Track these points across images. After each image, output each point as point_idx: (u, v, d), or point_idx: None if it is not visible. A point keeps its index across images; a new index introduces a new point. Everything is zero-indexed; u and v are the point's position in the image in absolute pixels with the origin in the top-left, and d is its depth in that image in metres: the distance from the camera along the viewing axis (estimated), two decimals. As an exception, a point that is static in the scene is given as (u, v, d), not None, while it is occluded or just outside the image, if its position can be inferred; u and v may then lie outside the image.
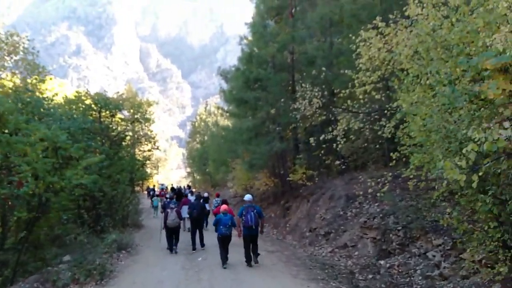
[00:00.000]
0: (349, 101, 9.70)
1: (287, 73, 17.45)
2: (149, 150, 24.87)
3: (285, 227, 15.87)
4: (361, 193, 11.96)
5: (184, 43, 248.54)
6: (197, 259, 10.86)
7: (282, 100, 15.71)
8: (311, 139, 9.66)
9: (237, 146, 18.92)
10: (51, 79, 18.19)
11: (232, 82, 18.12)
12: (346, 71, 10.99)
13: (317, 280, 8.57)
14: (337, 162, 15.27)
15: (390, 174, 10.34)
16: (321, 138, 10.25)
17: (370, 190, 11.61)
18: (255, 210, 9.48)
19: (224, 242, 9.66)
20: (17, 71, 16.75)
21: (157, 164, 41.00)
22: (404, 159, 10.79)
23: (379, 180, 11.41)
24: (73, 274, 8.27)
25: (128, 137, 18.15)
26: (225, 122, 35.12)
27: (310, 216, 14.50)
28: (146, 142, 26.10)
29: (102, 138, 16.49)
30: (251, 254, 9.67)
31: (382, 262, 9.41)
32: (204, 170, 39.41)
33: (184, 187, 28.77)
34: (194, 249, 11.79)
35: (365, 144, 14.85)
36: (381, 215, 10.69)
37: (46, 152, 7.75)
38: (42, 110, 10.96)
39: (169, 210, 11.39)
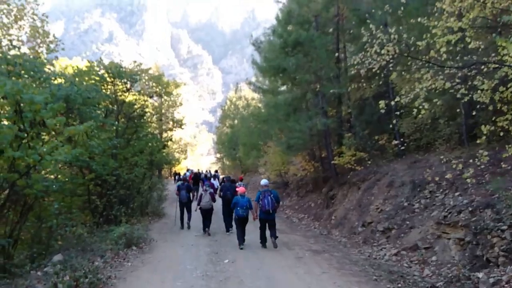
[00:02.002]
0: (432, 52, 6.89)
1: (332, 36, 14.56)
2: (170, 129, 22.62)
3: (329, 220, 13.28)
4: (436, 179, 9.15)
5: (215, 29, 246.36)
6: (224, 261, 8.51)
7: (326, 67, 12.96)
8: (382, 103, 6.86)
9: (272, 125, 16.42)
10: (63, 49, 16.09)
11: (266, 49, 15.43)
12: (419, 20, 8.16)
13: (392, 301, 6.01)
14: (395, 141, 12.45)
15: (486, 153, 7.49)
16: (394, 101, 7.47)
17: (448, 175, 8.86)
18: (272, 195, 9.50)
19: (241, 223, 9.83)
20: (23, 39, 14.70)
21: (185, 149, 39.13)
22: (501, 134, 7.99)
23: (463, 162, 8.60)
24: (53, 284, 6.05)
25: (148, 114, 15.92)
26: (256, 105, 32.67)
27: (362, 208, 11.84)
28: (173, 125, 23.95)
29: (117, 114, 14.38)
30: (266, 237, 9.73)
31: (480, 274, 6.65)
32: (234, 155, 37.22)
33: (210, 172, 26.99)
34: (227, 231, 11.94)
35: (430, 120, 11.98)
36: (470, 208, 7.88)
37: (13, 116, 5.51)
38: (32, 72, 8.72)
39: (203, 193, 11.69)
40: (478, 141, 8.52)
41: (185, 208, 12.73)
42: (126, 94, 14.96)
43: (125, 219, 11.92)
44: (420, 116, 8.14)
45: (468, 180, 7.72)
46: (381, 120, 13.96)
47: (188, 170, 24.31)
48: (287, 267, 8.01)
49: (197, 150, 49.79)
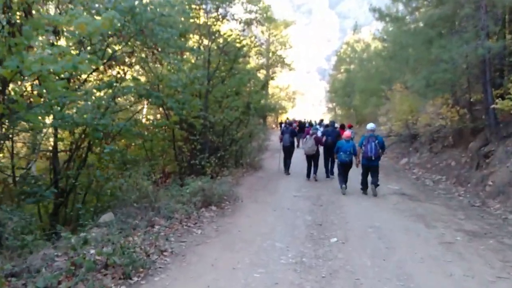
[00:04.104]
0: None
1: None
2: (272, 66, 19.89)
3: (482, 186, 9.47)
4: None
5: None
6: (330, 240, 5.81)
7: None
8: None
9: (402, 61, 12.63)
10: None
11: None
12: None
13: None
14: None
15: None
16: None
17: None
18: (376, 141, 8.90)
19: (343, 168, 9.44)
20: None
21: (294, 97, 36.31)
22: None
23: None
24: (70, 264, 4.07)
25: (246, 48, 13.43)
26: (378, 45, 27.82)
27: (543, 173, 7.86)
28: (278, 62, 21.25)
29: (209, 47, 12.20)
30: (367, 183, 9.24)
31: None
32: (348, 104, 33.35)
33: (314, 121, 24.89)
34: (328, 176, 11.58)
35: None
36: None
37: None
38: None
39: (307, 137, 11.00)
40: None
41: (288, 153, 12.07)
42: (220, 23, 12.64)
43: (212, 170, 9.94)
44: None
45: None
46: None
47: (292, 119, 21.85)
48: (431, 260, 4.99)
49: (307, 99, 46.68)
